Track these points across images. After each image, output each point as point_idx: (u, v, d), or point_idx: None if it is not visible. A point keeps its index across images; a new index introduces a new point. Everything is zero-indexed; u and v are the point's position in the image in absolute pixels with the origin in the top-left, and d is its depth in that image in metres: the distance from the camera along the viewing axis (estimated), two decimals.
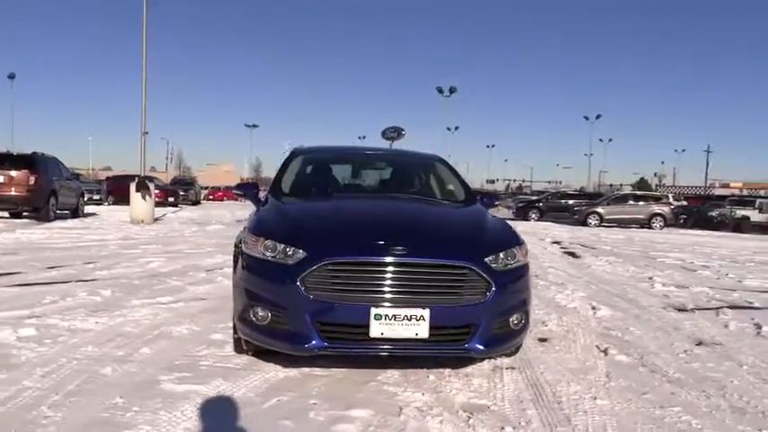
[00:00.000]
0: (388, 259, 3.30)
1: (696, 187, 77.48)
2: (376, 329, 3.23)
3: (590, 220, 25.26)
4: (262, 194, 4.74)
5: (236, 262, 3.82)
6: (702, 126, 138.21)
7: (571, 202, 29.21)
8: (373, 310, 3.23)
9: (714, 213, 28.78)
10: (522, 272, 3.62)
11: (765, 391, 3.64)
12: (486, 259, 3.43)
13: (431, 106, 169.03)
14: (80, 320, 4.70)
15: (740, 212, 28.44)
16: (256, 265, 3.51)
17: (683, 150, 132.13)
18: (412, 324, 3.24)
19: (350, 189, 4.66)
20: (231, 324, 4.49)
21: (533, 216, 28.54)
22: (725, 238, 21.20)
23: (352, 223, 3.69)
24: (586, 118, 59.56)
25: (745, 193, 64.03)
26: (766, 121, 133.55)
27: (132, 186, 15.91)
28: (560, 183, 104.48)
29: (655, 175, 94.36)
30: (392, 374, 3.64)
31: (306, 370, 3.65)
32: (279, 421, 2.88)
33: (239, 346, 3.87)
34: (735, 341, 4.90)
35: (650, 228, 25.00)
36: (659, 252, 13.45)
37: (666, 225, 25.41)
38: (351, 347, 3.37)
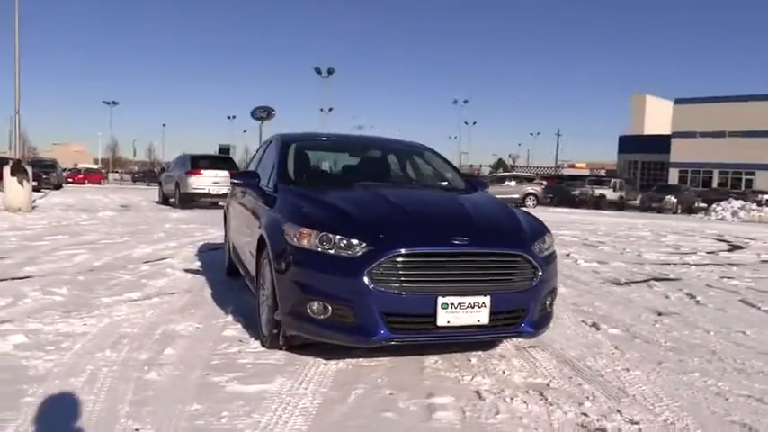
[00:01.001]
0: (453, 250, 3.39)
1: (547, 167, 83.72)
2: (443, 318, 3.32)
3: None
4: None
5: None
6: (555, 112, 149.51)
7: None
8: (440, 300, 3.30)
9: (576, 192, 31.41)
10: (554, 257, 3.86)
11: (747, 353, 4.18)
12: (533, 247, 3.62)
13: (302, 86, 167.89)
14: (63, 323, 4.31)
15: (598, 191, 31.34)
16: (311, 259, 3.43)
17: (538, 134, 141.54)
18: (474, 311, 3.36)
19: (364, 177, 4.64)
20: (229, 318, 4.38)
21: None
22: (591, 215, 23.23)
23: (406, 214, 3.70)
24: (455, 102, 62.16)
25: (587, 173, 70.45)
26: (606, 109, 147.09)
27: (6, 170, 14.36)
28: None
29: (509, 156, 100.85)
30: (435, 359, 3.74)
31: (351, 361, 3.65)
32: (379, 414, 2.90)
33: (275, 342, 3.77)
34: (686, 311, 5.53)
35: (525, 206, 26.76)
36: (552, 230, 14.49)
37: (538, 204, 27.35)
38: (417, 337, 3.42)
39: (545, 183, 31.35)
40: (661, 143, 53.20)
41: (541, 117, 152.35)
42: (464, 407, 3.02)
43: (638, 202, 32.26)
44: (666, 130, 55.29)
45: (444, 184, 4.99)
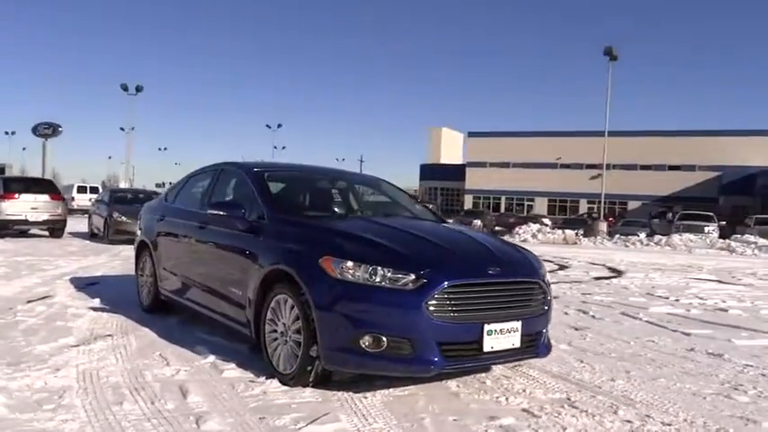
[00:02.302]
0: (492, 280, 3.64)
1: None
2: (488, 343, 3.54)
3: None
4: None
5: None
6: (359, 138, 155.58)
7: None
8: (486, 327, 3.53)
9: None
10: (549, 284, 4.30)
11: (673, 356, 4.99)
12: (544, 275, 4.02)
13: (98, 104, 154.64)
14: (29, 378, 3.76)
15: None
16: (362, 292, 3.45)
17: (343, 159, 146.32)
18: (510, 335, 3.64)
19: (347, 208, 4.67)
20: (211, 359, 4.18)
21: None
22: None
23: (439, 247, 3.84)
24: (269, 126, 62.22)
25: None
26: (407, 138, 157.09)
27: None
28: None
29: None
30: (455, 384, 3.94)
31: (385, 392, 3.70)
32: None
33: (302, 379, 3.68)
34: (593, 325, 6.33)
35: None
36: None
37: None
38: (467, 363, 3.59)
39: None
40: (457, 171, 58.16)
41: (348, 143, 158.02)
42: (532, 426, 3.27)
43: None
44: (459, 160, 60.57)
45: (429, 215, 5.22)
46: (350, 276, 3.50)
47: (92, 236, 16.55)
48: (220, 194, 5.09)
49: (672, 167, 50.61)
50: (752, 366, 4.79)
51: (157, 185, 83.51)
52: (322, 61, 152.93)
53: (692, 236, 25.13)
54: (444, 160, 64.39)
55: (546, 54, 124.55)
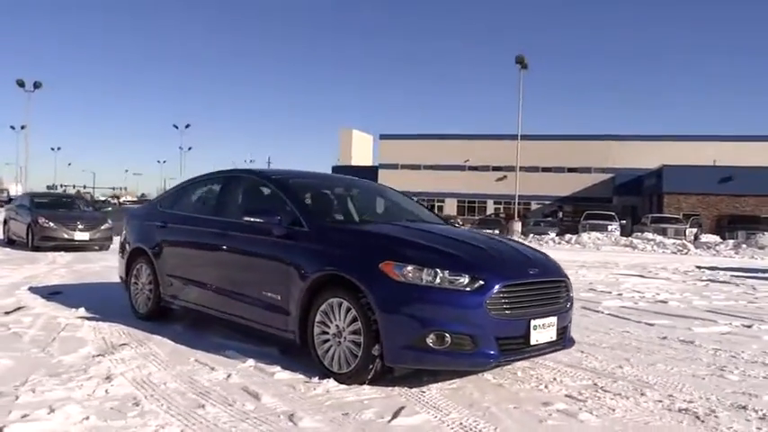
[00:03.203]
0: (534, 279, 4.03)
1: None
2: (534, 337, 3.92)
3: None
4: None
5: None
6: (268, 139, 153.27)
7: None
8: (532, 322, 3.91)
9: None
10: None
11: (651, 343, 5.59)
12: (566, 274, 4.44)
13: None
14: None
15: None
16: (428, 294, 3.72)
17: (252, 161, 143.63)
18: (549, 329, 4.03)
19: (373, 214, 4.89)
20: (250, 362, 4.32)
21: None
22: None
23: (484, 251, 4.16)
24: (176, 126, 60.20)
25: None
26: (317, 140, 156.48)
27: None
28: (125, 189, 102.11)
29: None
30: (491, 377, 4.29)
31: (437, 386, 3.98)
32: (544, 423, 3.38)
33: (360, 377, 3.89)
34: None
35: None
36: None
37: None
38: (516, 356, 3.93)
39: None
40: (369, 173, 58.67)
41: (257, 144, 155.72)
42: (584, 409, 3.66)
43: None
44: (369, 162, 61.25)
45: (439, 219, 5.53)
46: (413, 279, 3.76)
47: (9, 243, 15.54)
48: (240, 202, 5.16)
49: (570, 170, 53.73)
50: (722, 350, 5.46)
51: (49, 188, 78.73)
52: (229, 61, 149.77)
53: (598, 234, 26.98)
54: (355, 162, 64.94)
55: (453, 60, 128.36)
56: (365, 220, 5.00)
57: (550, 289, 4.16)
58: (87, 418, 3.20)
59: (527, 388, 4.08)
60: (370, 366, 3.87)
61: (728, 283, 11.84)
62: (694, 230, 29.60)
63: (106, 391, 3.69)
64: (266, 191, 4.99)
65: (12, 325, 5.51)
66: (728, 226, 30.18)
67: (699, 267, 15.53)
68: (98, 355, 4.55)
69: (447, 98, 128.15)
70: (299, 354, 4.50)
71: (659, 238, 26.08)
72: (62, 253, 13.44)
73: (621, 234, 29.37)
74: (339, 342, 4.03)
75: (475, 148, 54.89)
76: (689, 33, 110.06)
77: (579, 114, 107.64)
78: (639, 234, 27.48)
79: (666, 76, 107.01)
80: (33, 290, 7.79)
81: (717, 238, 27.87)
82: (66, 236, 14.07)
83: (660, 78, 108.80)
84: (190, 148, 76.19)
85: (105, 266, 11.01)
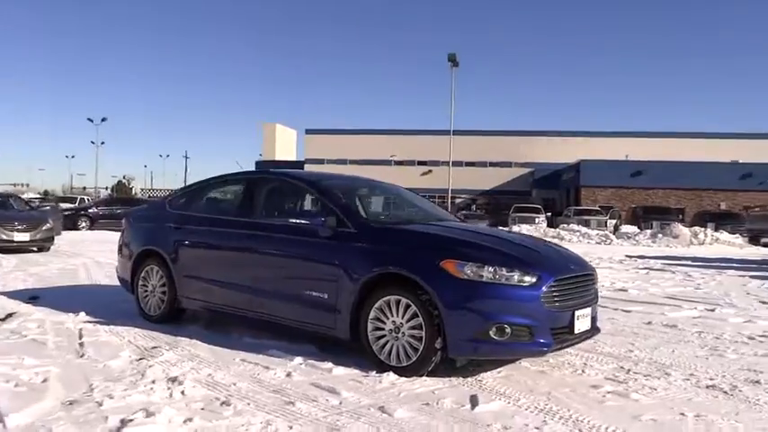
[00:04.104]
0: (576, 273, 4.39)
1: (169, 190, 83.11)
2: (577, 326, 4.28)
3: None
4: None
5: None
6: (185, 134, 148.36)
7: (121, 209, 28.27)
8: (577, 312, 4.27)
9: None
10: None
11: (640, 326, 6.13)
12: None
13: None
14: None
15: None
16: (489, 289, 4.00)
17: (168, 156, 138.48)
18: (586, 319, 4.42)
19: (412, 215, 5.09)
20: (298, 360, 4.47)
21: (83, 225, 26.53)
22: None
23: (530, 248, 4.50)
24: (91, 120, 57.47)
25: None
26: (237, 134, 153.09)
27: None
28: (27, 185, 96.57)
29: (124, 177, 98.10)
30: (524, 365, 4.62)
31: (487, 374, 4.28)
32: (604, 402, 3.74)
33: (420, 369, 4.12)
34: None
35: None
36: None
37: None
38: (565, 344, 4.27)
39: None
40: (295, 168, 58.30)
41: (172, 139, 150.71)
42: (631, 389, 4.05)
43: None
44: (293, 157, 60.79)
45: (455, 218, 5.80)
46: (475, 277, 4.03)
47: None
48: (275, 204, 5.28)
49: (492, 164, 55.51)
50: (704, 333, 6.05)
51: None
52: (145, 56, 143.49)
53: (527, 226, 28.18)
54: (279, 157, 64.26)
55: (374, 57, 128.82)
56: (407, 221, 5.20)
57: (586, 281, 4.54)
58: (191, 419, 3.26)
59: (567, 373, 4.44)
60: (433, 359, 4.10)
61: (664, 270, 12.80)
62: (614, 221, 31.43)
63: (182, 392, 3.73)
64: (300, 193, 5.11)
65: (24, 332, 5.34)
66: (643, 216, 32.27)
67: (629, 257, 16.64)
68: (140, 359, 4.54)
69: (371, 95, 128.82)
70: (339, 349, 4.68)
71: (584, 229, 27.55)
72: (2, 255, 12.75)
73: (548, 226, 30.77)
74: (396, 337, 4.24)
75: (401, 143, 55.65)
76: (612, 36, 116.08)
77: (501, 111, 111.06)
78: (566, 226, 28.90)
79: (584, 75, 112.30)
80: (9, 295, 7.46)
81: (635, 229, 29.74)
82: (4, 237, 13.36)
83: (580, 77, 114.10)
84: (102, 143, 72.81)
85: (62, 269, 10.64)
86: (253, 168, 60.42)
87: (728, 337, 5.83)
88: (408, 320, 4.19)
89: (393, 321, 4.25)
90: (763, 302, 8.33)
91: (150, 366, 4.31)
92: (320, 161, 56.59)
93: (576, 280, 4.39)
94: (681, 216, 33.10)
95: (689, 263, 14.84)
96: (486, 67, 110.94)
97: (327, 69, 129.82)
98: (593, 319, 4.61)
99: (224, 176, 5.89)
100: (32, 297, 7.38)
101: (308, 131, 59.15)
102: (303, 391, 3.85)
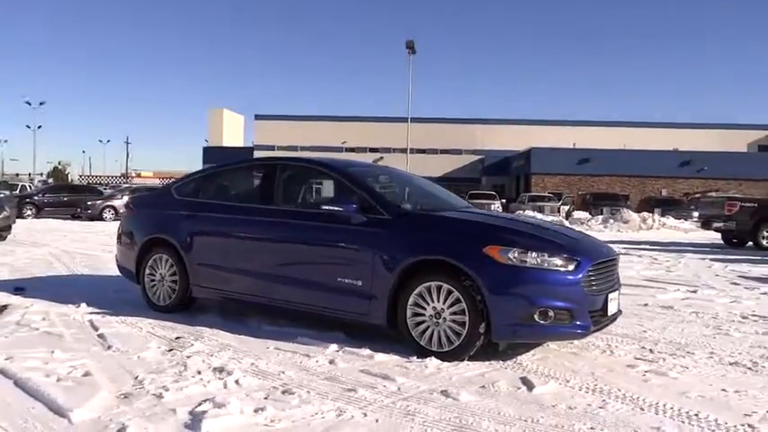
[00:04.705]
0: (608, 258, 4.54)
1: (114, 177, 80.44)
2: (609, 309, 4.42)
3: (106, 215, 24.55)
4: None
5: None
6: (124, 119, 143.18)
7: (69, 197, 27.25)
8: (610, 296, 4.41)
9: None
10: None
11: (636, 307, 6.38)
12: None
13: None
14: None
15: None
16: (533, 275, 4.08)
17: (108, 141, 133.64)
18: (615, 301, 4.57)
19: (440, 203, 5.14)
20: (333, 347, 4.48)
21: (29, 213, 25.44)
22: None
23: (562, 235, 4.60)
24: (29, 103, 54.95)
25: (157, 181, 70.85)
26: (180, 120, 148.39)
27: None
28: None
29: (59, 163, 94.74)
30: (557, 347, 4.75)
31: (522, 357, 4.39)
32: (648, 380, 3.89)
33: (461, 354, 4.18)
34: None
35: None
36: None
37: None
38: (600, 326, 4.40)
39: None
40: (244, 155, 57.29)
41: (113, 125, 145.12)
42: (662, 369, 4.22)
43: None
44: (241, 143, 59.74)
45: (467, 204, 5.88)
46: (518, 262, 4.11)
47: None
48: (302, 191, 5.22)
49: (443, 151, 56.06)
50: (700, 313, 6.34)
51: None
52: (88, 40, 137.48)
53: None
54: (226, 143, 63.07)
55: (326, 41, 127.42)
56: (440, 207, 5.21)
57: (613, 266, 4.69)
58: (263, 408, 3.22)
59: (598, 354, 4.59)
60: (476, 343, 4.17)
61: (629, 254, 13.26)
62: (567, 207, 32.30)
63: (236, 382, 3.68)
64: (326, 179, 5.06)
65: (33, 325, 5.13)
66: (593, 203, 33.27)
67: None
68: (170, 350, 4.44)
69: (321, 81, 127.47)
70: (368, 335, 4.70)
71: (539, 215, 28.23)
72: None
73: (504, 212, 31.39)
74: (437, 323, 4.28)
75: (352, 130, 55.52)
76: (559, 26, 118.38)
77: (450, 99, 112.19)
78: (521, 212, 29.55)
79: (534, 62, 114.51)
80: None
81: (587, 215, 30.65)
82: None
83: (530, 63, 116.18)
84: (40, 127, 69.57)
85: (31, 258, 10.26)
86: (200, 155, 59.22)
87: (724, 317, 6.12)
88: (450, 306, 4.23)
89: (434, 307, 4.29)
90: (735, 284, 8.75)
91: (189, 357, 4.22)
92: (271, 147, 55.83)
93: (608, 264, 4.54)
94: (627, 202, 34.27)
95: (647, 247, 15.44)
96: (434, 54, 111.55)
97: (276, 57, 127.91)
98: (618, 302, 4.77)
99: (236, 163, 5.78)
100: (18, 288, 7.07)
101: (258, 117, 58.24)
102: (356, 378, 3.85)
